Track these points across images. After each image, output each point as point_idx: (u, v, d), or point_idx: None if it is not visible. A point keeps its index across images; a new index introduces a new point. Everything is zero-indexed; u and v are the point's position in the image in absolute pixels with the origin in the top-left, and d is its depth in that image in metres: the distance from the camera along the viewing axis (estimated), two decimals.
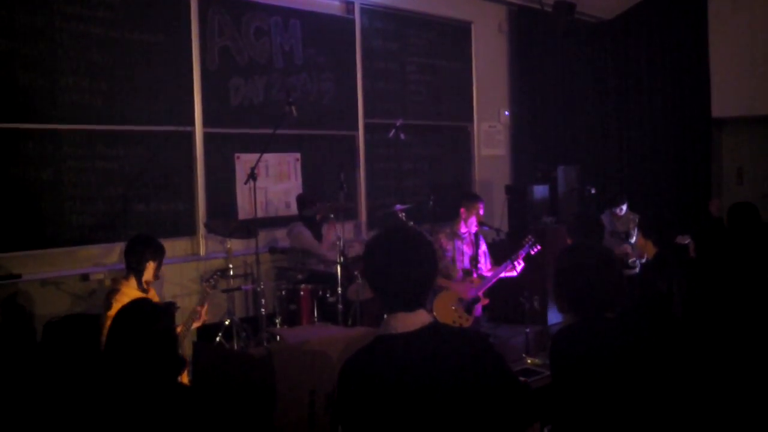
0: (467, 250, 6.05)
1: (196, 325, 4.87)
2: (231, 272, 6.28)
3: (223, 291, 6.47)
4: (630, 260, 6.84)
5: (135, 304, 2.76)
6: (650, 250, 4.65)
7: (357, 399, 2.22)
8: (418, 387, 2.15)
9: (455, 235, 6.03)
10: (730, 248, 4.97)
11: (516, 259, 5.74)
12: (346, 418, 2.26)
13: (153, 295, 4.82)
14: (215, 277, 5.24)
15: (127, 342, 2.55)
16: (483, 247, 6.19)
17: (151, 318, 2.59)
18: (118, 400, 2.49)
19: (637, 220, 5.53)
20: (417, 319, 2.25)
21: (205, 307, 4.92)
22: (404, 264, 2.24)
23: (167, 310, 2.71)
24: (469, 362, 2.21)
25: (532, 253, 5.79)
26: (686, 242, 6.97)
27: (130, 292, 4.63)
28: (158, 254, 4.69)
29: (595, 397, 2.64)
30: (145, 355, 2.53)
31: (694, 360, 3.80)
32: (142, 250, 4.66)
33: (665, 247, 4.52)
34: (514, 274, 5.81)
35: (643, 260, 5.42)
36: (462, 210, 6.09)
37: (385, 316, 2.30)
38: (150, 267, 4.66)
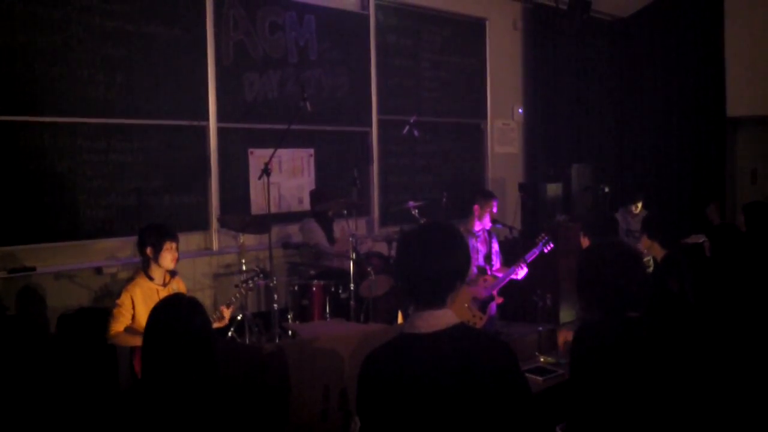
0: (481, 248, 6.02)
1: (217, 325, 4.83)
2: (243, 267, 6.28)
3: (236, 286, 6.46)
4: (645, 258, 6.79)
5: (168, 300, 2.70)
6: (657, 252, 4.61)
7: (376, 395, 2.22)
8: (436, 389, 2.13)
9: (469, 233, 6.00)
10: (748, 247, 4.93)
11: (530, 257, 5.70)
12: (364, 412, 2.26)
13: (180, 288, 4.82)
14: (254, 279, 5.19)
15: (160, 338, 2.52)
16: (495, 246, 6.16)
17: (184, 314, 2.54)
18: (155, 396, 2.47)
19: None
20: (443, 319, 2.23)
21: (231, 308, 4.92)
22: (437, 258, 2.22)
23: (196, 306, 2.61)
24: (490, 370, 2.16)
25: (546, 251, 5.75)
26: (701, 241, 6.90)
27: (143, 282, 4.66)
28: (151, 237, 4.66)
29: (613, 396, 2.61)
30: (179, 352, 2.49)
31: (711, 360, 3.77)
32: (140, 240, 4.71)
33: (673, 248, 4.48)
34: (518, 277, 5.77)
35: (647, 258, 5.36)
36: (476, 207, 6.06)
37: (410, 311, 2.28)
38: (150, 253, 4.66)
